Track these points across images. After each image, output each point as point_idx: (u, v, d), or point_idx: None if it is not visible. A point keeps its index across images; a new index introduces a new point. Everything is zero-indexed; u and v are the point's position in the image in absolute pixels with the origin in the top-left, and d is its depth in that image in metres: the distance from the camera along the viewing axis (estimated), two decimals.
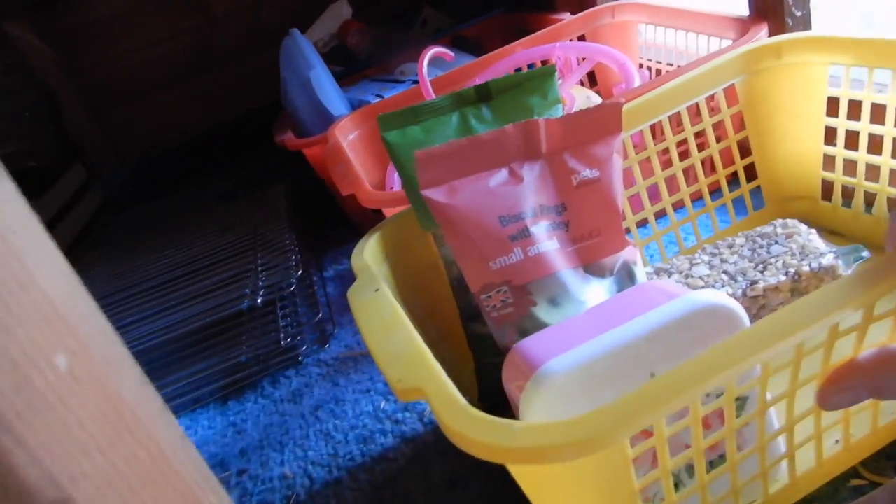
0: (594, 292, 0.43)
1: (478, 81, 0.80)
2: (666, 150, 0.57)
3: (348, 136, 0.79)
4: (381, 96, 0.88)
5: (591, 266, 0.44)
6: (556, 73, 0.50)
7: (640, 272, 0.45)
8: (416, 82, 0.90)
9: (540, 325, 0.42)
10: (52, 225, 1.16)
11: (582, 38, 0.84)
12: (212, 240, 0.87)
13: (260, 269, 0.74)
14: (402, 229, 0.51)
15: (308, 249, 0.89)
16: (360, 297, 0.41)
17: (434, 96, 0.75)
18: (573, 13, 0.91)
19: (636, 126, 0.55)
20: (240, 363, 0.68)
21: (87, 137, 1.35)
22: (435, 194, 0.43)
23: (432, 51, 0.74)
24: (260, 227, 0.87)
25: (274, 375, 0.69)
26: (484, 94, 0.50)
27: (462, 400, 0.29)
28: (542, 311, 0.42)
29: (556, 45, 0.79)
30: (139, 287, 0.80)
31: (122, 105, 1.39)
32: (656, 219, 0.59)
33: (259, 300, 0.68)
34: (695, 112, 0.57)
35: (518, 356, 0.36)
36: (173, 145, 1.42)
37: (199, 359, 0.69)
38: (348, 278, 0.86)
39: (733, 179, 0.60)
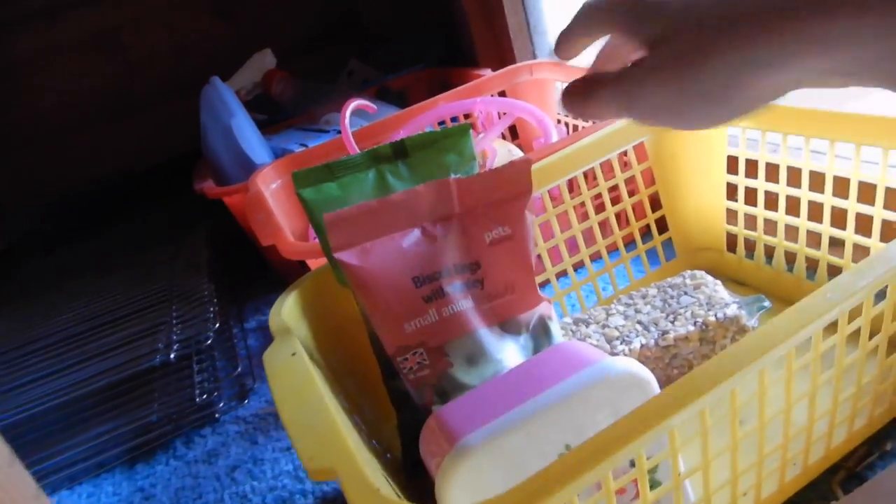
0: (510, 350, 0.43)
1: (402, 133, 0.81)
2: (582, 204, 0.59)
3: (270, 186, 0.77)
4: (305, 145, 0.87)
5: (506, 323, 0.44)
6: (472, 131, 0.51)
7: (555, 327, 0.46)
8: (341, 132, 0.90)
9: (458, 386, 0.41)
10: None
11: (503, 94, 0.87)
12: (123, 292, 0.83)
13: (175, 321, 0.71)
14: (321, 284, 0.51)
15: (229, 300, 0.86)
16: (275, 361, 0.40)
17: (356, 148, 0.75)
18: (494, 70, 0.94)
19: (553, 181, 0.57)
20: (150, 423, 0.64)
21: None
22: (347, 257, 0.43)
23: (354, 103, 0.75)
24: (176, 278, 0.84)
25: (188, 435, 0.65)
26: (400, 151, 0.50)
27: (375, 484, 0.29)
28: (458, 372, 0.42)
29: (478, 99, 0.81)
30: (39, 343, 0.75)
31: (30, 147, 1.33)
32: (575, 270, 0.60)
33: (172, 355, 0.65)
34: (608, 168, 0.59)
35: (436, 426, 0.36)
36: (85, 192, 1.36)
37: (104, 419, 0.65)
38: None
39: (646, 232, 0.62)
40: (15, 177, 1.32)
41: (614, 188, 0.60)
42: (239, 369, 0.68)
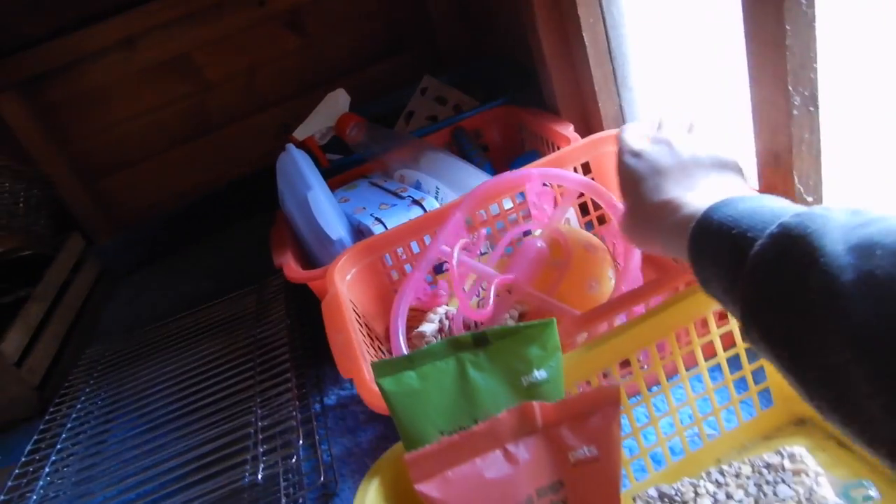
0: None
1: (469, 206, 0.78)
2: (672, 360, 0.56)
3: (346, 277, 0.77)
4: (380, 220, 0.86)
5: None
6: (556, 324, 0.49)
7: None
8: (415, 200, 0.88)
9: None
10: (57, 301, 1.15)
11: (586, 165, 0.82)
12: (209, 363, 0.88)
13: (261, 430, 0.74)
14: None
15: (308, 366, 0.88)
16: None
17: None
18: (575, 126, 0.89)
19: (638, 348, 0.53)
20: None
21: (82, 208, 1.34)
22: (428, 489, 0.42)
23: (460, 244, 0.73)
24: (258, 351, 0.87)
25: None
26: (480, 340, 0.49)
27: None
28: None
29: (533, 171, 0.74)
30: (128, 431, 0.80)
31: (117, 173, 1.37)
32: (658, 419, 0.58)
33: (259, 476, 0.67)
34: (702, 323, 0.55)
35: None
36: (168, 212, 1.40)
37: None
38: (351, 409, 0.84)
39: (739, 378, 0.59)
40: (104, 202, 1.37)
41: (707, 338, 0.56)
42: (322, 479, 0.70)
